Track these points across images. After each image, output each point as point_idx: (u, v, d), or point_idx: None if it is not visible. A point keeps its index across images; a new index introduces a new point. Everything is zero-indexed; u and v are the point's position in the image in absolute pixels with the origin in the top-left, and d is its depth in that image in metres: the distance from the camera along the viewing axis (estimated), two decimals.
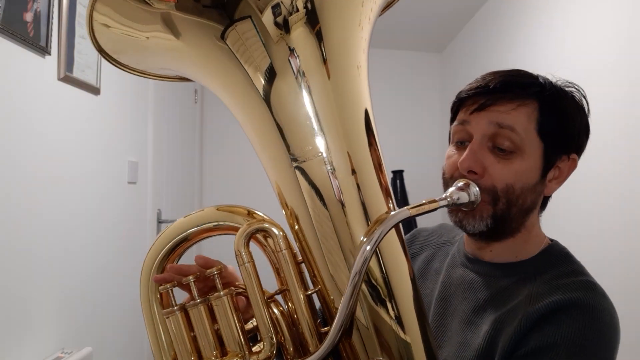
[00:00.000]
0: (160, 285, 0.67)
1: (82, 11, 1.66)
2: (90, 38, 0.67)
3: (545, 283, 0.67)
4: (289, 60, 0.59)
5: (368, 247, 0.53)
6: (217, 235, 0.69)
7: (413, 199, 0.81)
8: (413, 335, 0.59)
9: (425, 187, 3.42)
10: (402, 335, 0.58)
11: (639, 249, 1.52)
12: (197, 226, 0.68)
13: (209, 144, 3.56)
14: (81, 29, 1.66)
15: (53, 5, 1.47)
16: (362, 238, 0.57)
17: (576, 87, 0.74)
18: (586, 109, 0.74)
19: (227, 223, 0.67)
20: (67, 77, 1.57)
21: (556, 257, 0.72)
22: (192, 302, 0.64)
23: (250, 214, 0.66)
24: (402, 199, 3.24)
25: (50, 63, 1.50)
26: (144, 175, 2.29)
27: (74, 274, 1.64)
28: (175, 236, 0.69)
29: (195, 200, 3.29)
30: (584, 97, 0.74)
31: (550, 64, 2.07)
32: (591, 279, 0.68)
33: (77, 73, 1.62)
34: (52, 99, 1.51)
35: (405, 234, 0.92)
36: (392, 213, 0.55)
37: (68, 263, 1.60)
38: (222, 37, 0.59)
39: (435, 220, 0.95)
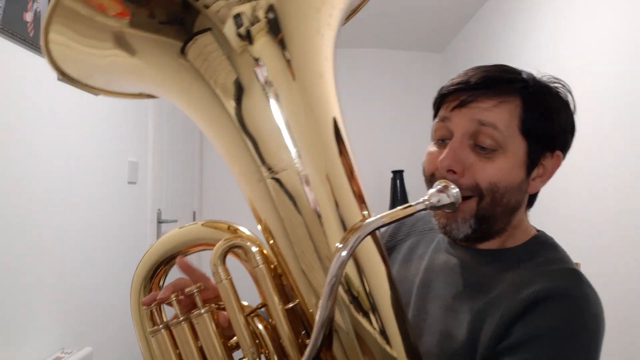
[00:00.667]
0: (147, 306, 0.67)
1: None
2: (52, 67, 0.64)
3: (528, 270, 0.66)
4: (254, 70, 0.57)
5: (344, 253, 0.52)
6: (201, 250, 0.69)
7: (413, 199, 0.80)
8: (394, 341, 0.58)
9: (425, 187, 3.41)
10: (383, 343, 0.58)
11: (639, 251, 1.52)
12: (183, 242, 0.68)
13: (209, 144, 3.53)
14: None
15: None
16: (337, 244, 0.56)
17: (561, 82, 0.72)
18: (572, 106, 0.71)
19: (209, 239, 0.67)
20: None
21: (541, 245, 0.71)
22: (174, 320, 0.64)
23: (230, 228, 0.66)
24: (402, 199, 3.24)
25: None
26: (144, 175, 2.29)
27: (74, 274, 1.64)
28: (160, 254, 0.69)
29: (195, 200, 3.29)
30: (570, 93, 0.71)
31: (550, 64, 2.07)
32: (576, 267, 0.67)
33: None
34: (52, 99, 1.51)
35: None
36: (367, 221, 0.54)
37: (68, 263, 1.60)
38: (183, 52, 0.57)
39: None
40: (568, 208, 1.88)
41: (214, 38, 0.56)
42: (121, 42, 0.59)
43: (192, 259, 0.73)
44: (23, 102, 1.36)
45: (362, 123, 3.46)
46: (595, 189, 1.72)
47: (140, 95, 0.76)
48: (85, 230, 1.72)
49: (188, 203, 3.11)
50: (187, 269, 0.68)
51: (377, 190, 3.43)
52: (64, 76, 0.66)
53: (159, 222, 2.48)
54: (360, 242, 0.53)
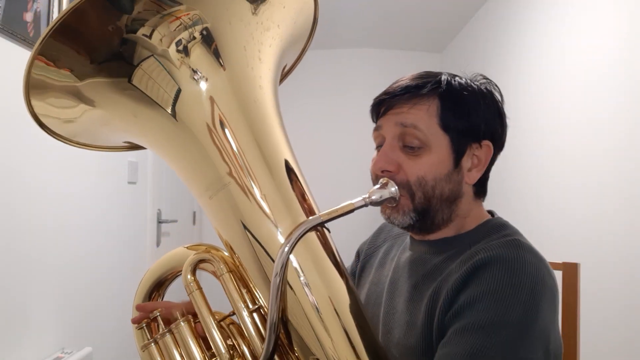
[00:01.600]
0: (137, 324, 0.75)
1: None
2: (45, 132, 0.74)
3: (476, 249, 0.69)
4: (193, 78, 0.63)
5: (286, 249, 0.57)
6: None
7: None
8: (355, 342, 0.61)
9: None
10: (340, 343, 0.60)
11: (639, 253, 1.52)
12: (170, 267, 0.76)
13: None
14: None
15: (53, 5, 1.48)
16: (283, 242, 0.60)
17: (486, 78, 0.78)
18: (497, 96, 0.77)
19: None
20: None
21: (492, 227, 0.75)
22: (159, 333, 0.71)
23: (207, 250, 0.72)
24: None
25: None
26: (144, 175, 2.29)
27: (74, 274, 1.64)
28: (153, 280, 0.77)
29: (195, 200, 3.28)
30: (495, 87, 0.78)
31: (550, 64, 2.08)
32: (520, 238, 0.70)
33: None
34: None
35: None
36: (309, 218, 0.60)
37: (68, 263, 1.60)
38: (129, 81, 0.63)
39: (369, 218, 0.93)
40: (567, 206, 1.88)
41: (155, 60, 0.62)
42: (79, 95, 0.66)
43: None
44: (23, 102, 1.36)
45: (362, 123, 3.45)
46: (594, 186, 1.72)
47: (120, 148, 0.82)
48: (85, 230, 1.72)
49: (188, 203, 3.11)
50: (145, 308, 0.76)
51: None
52: (57, 137, 0.76)
53: (159, 222, 2.48)
54: (301, 237, 0.58)
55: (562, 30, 2.03)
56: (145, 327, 0.75)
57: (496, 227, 0.75)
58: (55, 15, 1.50)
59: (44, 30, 0.58)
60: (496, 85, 0.78)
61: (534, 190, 2.18)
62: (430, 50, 3.80)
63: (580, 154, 1.80)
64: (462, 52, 3.39)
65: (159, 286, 0.78)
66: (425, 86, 0.74)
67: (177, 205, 2.79)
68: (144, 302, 0.77)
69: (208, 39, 0.64)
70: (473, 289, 0.63)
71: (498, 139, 0.77)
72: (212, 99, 0.64)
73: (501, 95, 0.78)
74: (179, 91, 0.63)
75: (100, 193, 1.84)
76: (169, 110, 0.64)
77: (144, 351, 0.72)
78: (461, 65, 3.38)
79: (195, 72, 0.63)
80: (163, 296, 0.80)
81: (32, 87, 0.65)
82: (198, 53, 0.63)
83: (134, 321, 0.76)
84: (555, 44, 2.08)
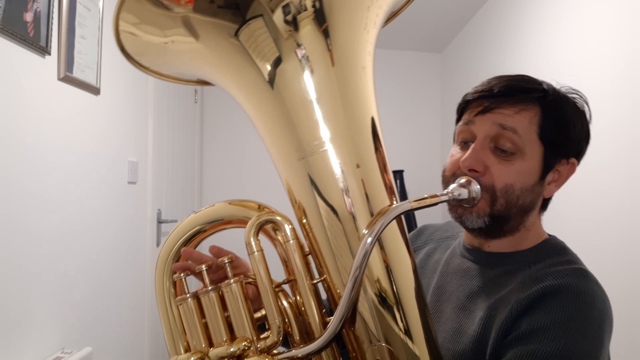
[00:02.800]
0: (175, 273, 0.70)
1: (82, 11, 1.66)
2: (117, 43, 0.70)
3: (538, 271, 0.69)
4: (295, 51, 0.62)
5: (369, 240, 0.55)
6: (229, 228, 0.72)
7: None
8: (414, 324, 0.61)
9: (425, 187, 3.42)
10: (401, 324, 0.60)
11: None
12: (209, 220, 0.71)
13: (209, 144, 3.56)
14: (81, 29, 1.66)
15: (53, 5, 1.47)
16: (364, 230, 0.59)
17: (579, 94, 0.76)
18: (588, 116, 0.75)
19: (238, 216, 0.69)
20: (67, 77, 1.57)
21: (552, 248, 0.74)
22: (204, 289, 0.66)
23: (260, 207, 0.69)
24: (402, 199, 3.21)
25: (50, 63, 1.50)
26: (144, 175, 2.29)
27: (74, 273, 1.64)
28: (189, 229, 0.71)
29: (195, 200, 3.29)
30: (586, 104, 0.76)
31: (550, 64, 2.07)
32: (584, 267, 0.69)
33: (77, 73, 1.62)
34: (52, 99, 1.51)
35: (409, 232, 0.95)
36: (394, 205, 0.58)
37: (68, 263, 1.60)
38: (236, 34, 0.62)
39: (435, 218, 0.95)
40: (568, 208, 1.88)
41: (264, 23, 0.61)
42: (186, 25, 0.63)
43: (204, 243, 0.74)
44: (23, 102, 1.36)
45: None
46: (596, 188, 1.72)
47: (192, 82, 0.81)
48: (85, 230, 1.72)
49: (188, 203, 3.11)
50: (192, 255, 0.71)
51: None
52: (122, 50, 0.72)
53: (159, 222, 2.48)
54: (385, 227, 0.56)
55: (562, 30, 2.03)
56: (183, 280, 0.69)
57: (557, 250, 0.73)
58: (55, 15, 1.50)
59: None
60: (587, 102, 0.76)
61: None
62: (430, 50, 3.80)
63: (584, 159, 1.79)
64: (462, 52, 3.39)
65: (188, 240, 0.72)
66: (532, 92, 0.71)
67: (177, 205, 2.79)
68: (173, 249, 0.71)
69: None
70: (541, 316, 0.62)
71: (581, 159, 0.76)
72: (314, 69, 0.62)
73: (590, 115, 0.76)
74: (279, 60, 0.62)
75: (100, 193, 1.84)
76: (267, 76, 0.63)
77: (179, 305, 0.67)
78: (461, 65, 3.39)
79: (299, 46, 0.62)
80: (195, 248, 0.75)
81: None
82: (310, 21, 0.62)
83: (176, 267, 0.70)
84: (555, 44, 2.08)
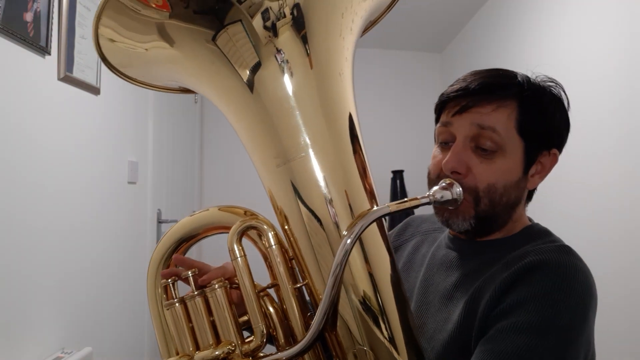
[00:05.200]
0: (165, 278, 0.72)
1: (82, 11, 1.66)
2: (98, 54, 0.71)
3: (522, 251, 0.69)
4: (275, 56, 0.63)
5: (348, 241, 0.56)
6: (218, 233, 0.73)
7: None
8: (394, 325, 0.62)
9: (425, 187, 3.40)
10: (383, 326, 0.61)
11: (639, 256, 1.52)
12: (201, 225, 0.72)
13: (209, 144, 3.56)
14: (81, 29, 1.66)
15: (53, 5, 1.47)
16: (344, 232, 0.60)
17: (555, 81, 0.75)
18: (565, 103, 0.75)
19: (224, 222, 0.71)
20: (67, 77, 1.57)
21: (537, 233, 0.75)
22: (190, 294, 0.68)
23: (246, 213, 0.70)
24: (402, 199, 3.23)
25: (50, 63, 1.50)
26: (144, 175, 2.29)
27: (74, 273, 1.64)
28: (181, 234, 0.73)
29: (195, 200, 3.29)
30: (563, 91, 0.75)
31: (549, 63, 2.07)
32: (568, 245, 0.70)
33: (77, 73, 1.62)
34: (52, 99, 1.51)
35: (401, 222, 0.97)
36: (374, 209, 0.59)
37: (68, 263, 1.60)
38: (214, 39, 0.62)
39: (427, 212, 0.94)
40: (565, 206, 1.88)
41: (243, 28, 0.61)
42: (162, 32, 0.64)
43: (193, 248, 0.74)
44: (23, 102, 1.36)
45: (362, 123, 3.45)
46: (593, 186, 1.72)
47: (177, 91, 0.82)
48: (85, 230, 1.72)
49: (188, 203, 3.11)
50: (184, 262, 0.73)
51: (377, 190, 3.41)
52: (106, 63, 0.73)
53: (159, 222, 2.48)
54: (364, 229, 0.57)
55: (562, 30, 2.03)
56: (170, 285, 0.71)
57: (541, 233, 0.74)
58: (55, 15, 1.50)
59: None
60: (563, 89, 0.75)
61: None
62: (430, 50, 3.80)
63: (581, 154, 1.80)
64: (462, 52, 3.39)
65: (179, 244, 0.74)
66: (509, 87, 0.71)
67: (177, 205, 2.79)
68: (164, 255, 0.73)
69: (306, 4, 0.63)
70: (523, 290, 0.62)
71: (562, 148, 0.76)
72: (293, 73, 0.63)
73: (568, 102, 0.75)
74: (258, 65, 0.63)
75: (100, 193, 1.84)
76: (246, 81, 0.63)
77: (167, 309, 0.69)
78: (461, 65, 3.38)
79: (279, 51, 0.62)
80: (186, 252, 0.76)
81: (110, 9, 0.63)
82: (287, 29, 0.62)
83: (164, 274, 0.72)
84: (555, 43, 2.08)
